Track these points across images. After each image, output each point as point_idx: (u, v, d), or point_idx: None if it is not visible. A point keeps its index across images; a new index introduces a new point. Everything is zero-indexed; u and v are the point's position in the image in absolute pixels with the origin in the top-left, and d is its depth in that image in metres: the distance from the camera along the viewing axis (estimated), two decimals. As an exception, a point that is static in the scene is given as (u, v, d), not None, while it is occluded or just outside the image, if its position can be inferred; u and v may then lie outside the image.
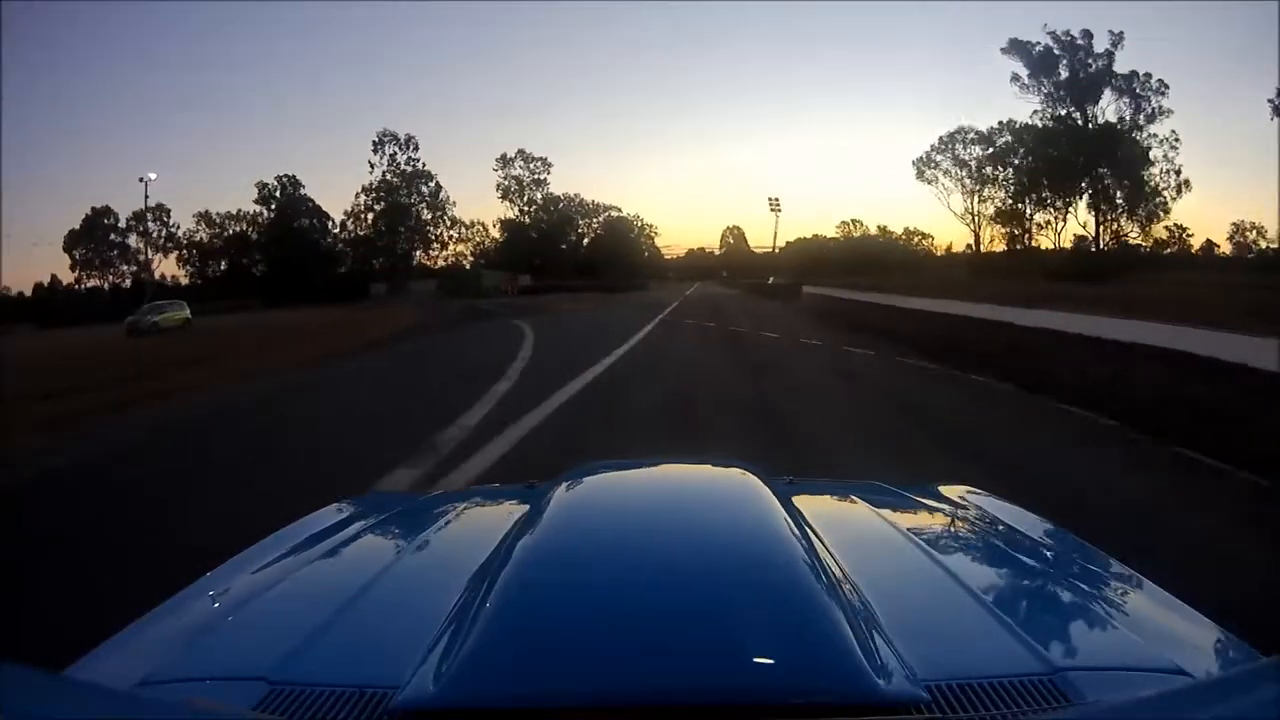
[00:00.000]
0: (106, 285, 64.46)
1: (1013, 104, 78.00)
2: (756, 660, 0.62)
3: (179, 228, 67.54)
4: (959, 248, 65.03)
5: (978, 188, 57.37)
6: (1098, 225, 51.35)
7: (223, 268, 67.37)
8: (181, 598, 0.94)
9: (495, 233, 70.27)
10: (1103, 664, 0.68)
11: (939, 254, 67.26)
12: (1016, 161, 55.25)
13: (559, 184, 73.93)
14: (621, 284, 52.41)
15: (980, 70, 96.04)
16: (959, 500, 1.29)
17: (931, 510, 1.24)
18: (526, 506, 1.03)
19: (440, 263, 69.54)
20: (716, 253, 79.23)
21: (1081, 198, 52.32)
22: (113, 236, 65.52)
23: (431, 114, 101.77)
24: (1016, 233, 56.37)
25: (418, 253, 70.12)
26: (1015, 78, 50.71)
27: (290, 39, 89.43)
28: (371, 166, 68.68)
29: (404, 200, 68.03)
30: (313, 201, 67.97)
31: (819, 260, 62.56)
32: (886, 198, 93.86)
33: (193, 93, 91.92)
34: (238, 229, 67.14)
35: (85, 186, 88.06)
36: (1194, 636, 0.78)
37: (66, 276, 65.00)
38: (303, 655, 0.71)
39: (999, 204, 56.64)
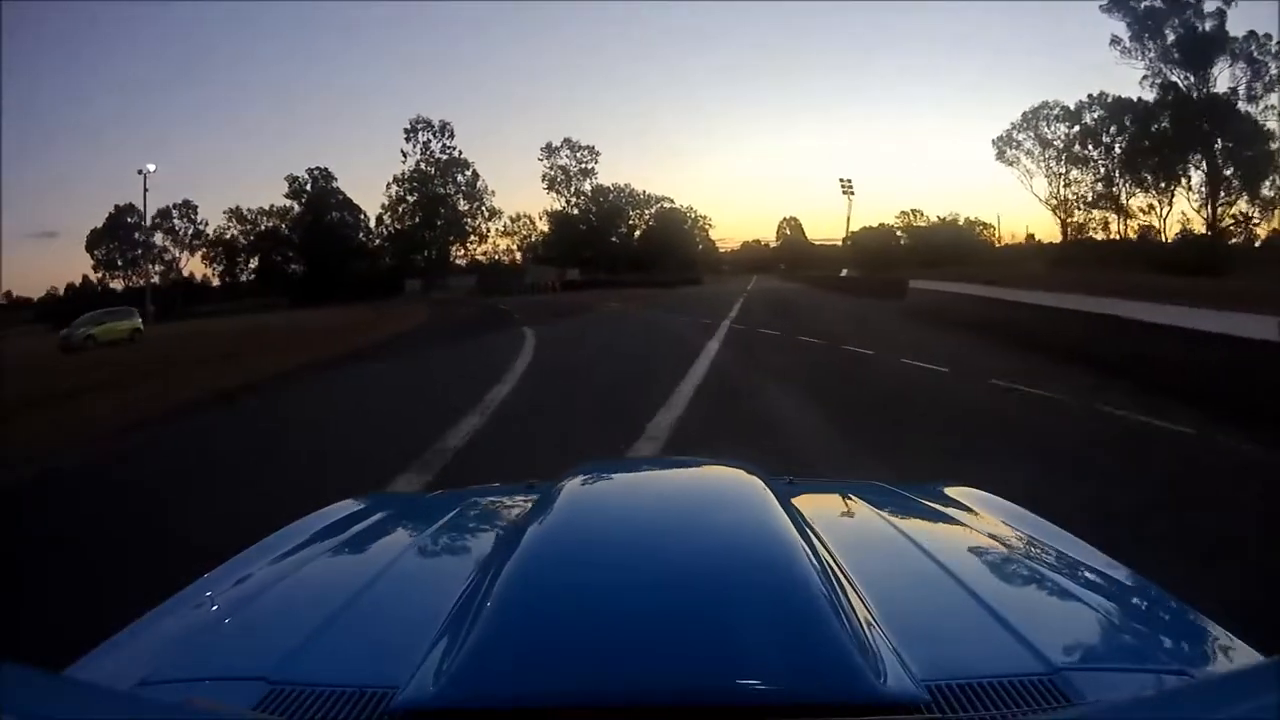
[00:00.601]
0: (134, 285, 62.63)
1: (1106, 78, 71.32)
2: (757, 660, 0.61)
3: (206, 224, 64.15)
4: (1020, 235, 59.49)
5: (1063, 169, 51.48)
6: (1213, 209, 45.08)
7: (252, 265, 65.24)
8: (181, 598, 0.93)
9: (543, 226, 65.81)
10: (1103, 664, 0.68)
11: (1013, 243, 61.52)
12: (1108, 140, 49.30)
13: (607, 175, 70.28)
14: (675, 278, 47.87)
15: (1057, 46, 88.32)
16: (959, 500, 1.25)
17: (932, 510, 1.20)
18: (526, 506, 1.02)
19: (480, 257, 65.32)
20: (772, 245, 74.37)
21: (1187, 178, 46.18)
22: (136, 235, 61.94)
23: (470, 107, 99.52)
24: (1110, 218, 50.43)
25: (455, 246, 65.36)
26: (1115, 40, 44.65)
27: (326, 30, 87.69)
28: (404, 155, 64.29)
29: (439, 190, 63.74)
30: (343, 194, 63.85)
31: (885, 251, 57.24)
32: (946, 186, 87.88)
33: (223, 86, 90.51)
34: (270, 225, 64.46)
35: (116, 184, 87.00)
36: (1194, 636, 0.78)
37: (92, 277, 63.60)
38: (303, 655, 0.71)
39: (1089, 187, 50.69)
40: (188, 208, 64.35)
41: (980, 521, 1.13)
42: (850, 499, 1.25)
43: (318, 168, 63.38)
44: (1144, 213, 48.87)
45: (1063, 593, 0.86)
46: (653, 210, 67.01)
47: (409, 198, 63.98)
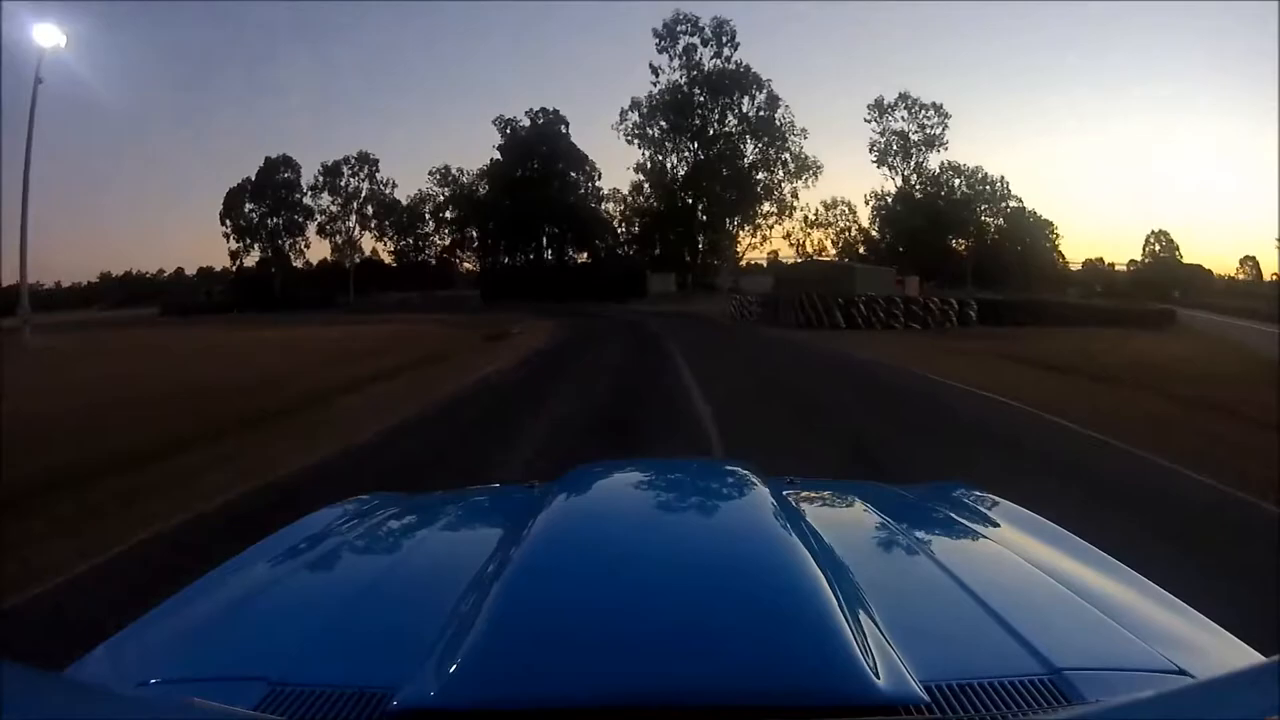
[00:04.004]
0: (297, 260, 48.63)
1: None
2: (756, 661, 0.62)
3: (393, 185, 47.46)
4: None
5: None
6: None
7: (441, 241, 48.94)
8: (181, 598, 0.93)
9: (863, 218, 45.70)
10: (1103, 664, 0.68)
11: None
12: None
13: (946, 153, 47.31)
14: (1060, 309, 26.69)
15: None
16: (959, 500, 1.27)
17: (931, 510, 1.21)
18: (527, 507, 1.01)
19: (788, 243, 44.06)
20: (1119, 266, 52.97)
21: None
22: (294, 196, 46.11)
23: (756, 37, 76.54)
24: None
25: (740, 224, 42.34)
26: None
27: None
28: (655, 73, 41.68)
29: (709, 127, 41.16)
30: (569, 140, 43.47)
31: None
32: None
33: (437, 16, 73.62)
34: (481, 190, 45.80)
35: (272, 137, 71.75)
36: (1194, 636, 0.78)
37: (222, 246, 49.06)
38: (303, 655, 0.72)
39: None
40: (364, 161, 46.62)
41: (980, 521, 1.13)
42: (850, 499, 1.27)
43: (540, 109, 44.18)
44: None
45: (1062, 593, 0.84)
46: (1000, 209, 46.00)
47: (653, 129, 41.27)
